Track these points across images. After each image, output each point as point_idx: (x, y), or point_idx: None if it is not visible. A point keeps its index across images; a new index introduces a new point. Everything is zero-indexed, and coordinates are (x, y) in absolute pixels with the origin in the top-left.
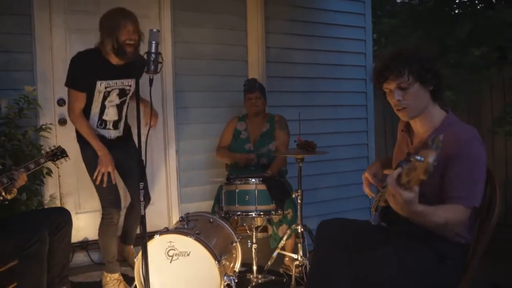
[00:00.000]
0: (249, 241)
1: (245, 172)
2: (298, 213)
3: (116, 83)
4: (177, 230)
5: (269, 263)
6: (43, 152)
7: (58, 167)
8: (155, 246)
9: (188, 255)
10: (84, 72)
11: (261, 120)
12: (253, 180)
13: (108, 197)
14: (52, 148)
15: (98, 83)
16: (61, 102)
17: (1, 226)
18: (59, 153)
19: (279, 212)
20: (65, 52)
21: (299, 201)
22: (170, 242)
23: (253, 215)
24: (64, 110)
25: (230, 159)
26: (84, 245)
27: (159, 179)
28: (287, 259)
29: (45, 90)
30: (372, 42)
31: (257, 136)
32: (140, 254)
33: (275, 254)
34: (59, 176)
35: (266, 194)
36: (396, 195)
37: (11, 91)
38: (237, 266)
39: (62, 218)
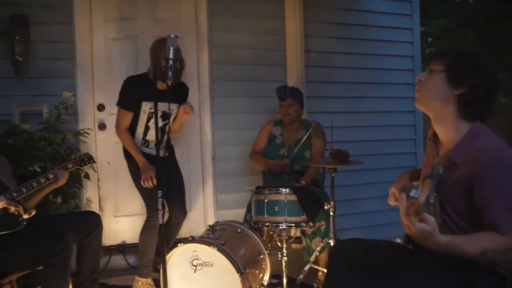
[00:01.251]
0: (279, 253)
1: (279, 180)
2: (331, 225)
3: (160, 106)
4: (201, 240)
5: (300, 276)
6: (73, 157)
7: (95, 171)
8: (179, 255)
9: (211, 265)
10: (132, 93)
11: (297, 126)
12: (284, 190)
13: (151, 202)
14: (81, 154)
15: (144, 103)
16: (100, 108)
17: (32, 227)
18: (86, 159)
19: (310, 224)
20: (104, 59)
21: (331, 213)
22: (194, 251)
23: (283, 227)
24: (103, 115)
25: (263, 165)
26: (121, 248)
27: (196, 186)
28: (320, 273)
29: (85, 96)
30: (420, 44)
31: (292, 142)
32: (165, 263)
33: (307, 267)
34: (98, 179)
35: (297, 205)
36: (410, 226)
37: (52, 97)
38: (266, 279)
39: (92, 221)
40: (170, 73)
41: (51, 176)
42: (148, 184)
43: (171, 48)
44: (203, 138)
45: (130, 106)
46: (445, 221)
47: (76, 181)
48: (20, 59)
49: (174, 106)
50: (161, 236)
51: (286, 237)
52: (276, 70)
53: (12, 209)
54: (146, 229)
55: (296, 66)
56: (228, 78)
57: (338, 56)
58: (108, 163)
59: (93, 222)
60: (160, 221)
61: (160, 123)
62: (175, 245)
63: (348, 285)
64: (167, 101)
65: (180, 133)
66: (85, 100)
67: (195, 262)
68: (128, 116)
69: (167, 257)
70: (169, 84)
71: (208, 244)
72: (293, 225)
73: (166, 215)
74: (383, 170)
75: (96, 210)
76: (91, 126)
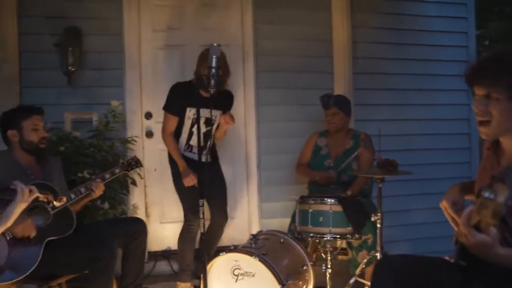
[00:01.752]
0: (323, 264)
1: (325, 190)
2: (378, 238)
3: (204, 112)
4: (243, 249)
5: None
6: (122, 161)
7: (142, 178)
8: (221, 264)
9: (253, 275)
10: (177, 98)
11: (343, 136)
12: (329, 200)
13: (190, 207)
14: (129, 159)
15: (188, 109)
16: (148, 116)
17: (80, 233)
18: (133, 163)
19: (356, 236)
20: (152, 68)
21: (378, 225)
22: (236, 261)
23: (327, 238)
24: (150, 123)
25: (309, 177)
26: (167, 254)
27: (241, 194)
28: (365, 287)
29: (133, 104)
30: (476, 48)
31: (339, 153)
32: (206, 269)
33: (352, 281)
34: (145, 186)
35: (342, 216)
36: (468, 236)
37: (102, 105)
38: None
39: (137, 228)
40: (212, 82)
41: (83, 190)
42: (189, 183)
43: (214, 56)
44: (248, 146)
45: (175, 110)
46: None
47: (124, 187)
48: (73, 69)
49: (217, 113)
50: (202, 244)
51: (331, 249)
52: (323, 78)
53: (41, 197)
54: (183, 234)
55: (344, 73)
56: (273, 86)
57: (387, 62)
58: (155, 170)
59: (138, 228)
60: (202, 230)
61: (204, 129)
62: (217, 254)
63: None
64: (212, 107)
65: (225, 141)
66: (133, 108)
67: (236, 272)
68: (173, 121)
69: (208, 265)
70: (212, 92)
71: (250, 254)
72: (338, 236)
73: (207, 223)
74: (435, 181)
75: (142, 216)
76: (139, 134)
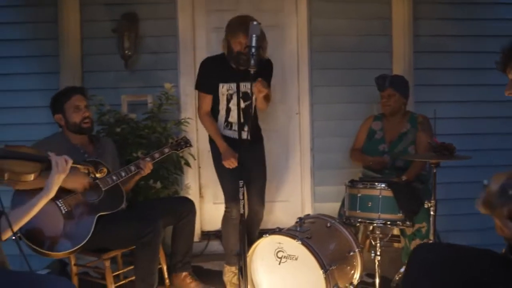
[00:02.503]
0: (372, 251)
1: (379, 175)
2: (431, 226)
3: (235, 86)
4: (287, 232)
5: (396, 277)
6: (171, 140)
7: (195, 159)
8: (265, 246)
9: (296, 259)
10: (207, 75)
11: (400, 119)
12: (379, 185)
13: (228, 192)
14: (177, 138)
15: (220, 85)
16: None
17: (130, 210)
18: (183, 143)
19: (408, 223)
20: (206, 51)
21: (432, 212)
22: (279, 243)
23: (376, 224)
24: None
25: (363, 162)
26: (219, 234)
27: (294, 177)
28: None
29: (187, 86)
30: None
31: (394, 136)
32: (249, 251)
33: (402, 269)
34: (199, 167)
35: (392, 202)
36: (503, 228)
37: (157, 88)
38: (357, 277)
39: (185, 207)
40: (252, 61)
41: (133, 168)
42: (229, 165)
43: (254, 35)
44: (302, 128)
45: (207, 88)
46: None
47: (177, 168)
48: (129, 53)
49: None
50: (243, 226)
51: (380, 235)
52: (380, 57)
53: (82, 168)
54: (224, 219)
55: (403, 52)
56: (328, 66)
57: (452, 39)
58: (209, 151)
59: (187, 207)
60: (241, 211)
61: (242, 104)
62: (261, 235)
63: None
64: (246, 81)
65: (279, 123)
66: (187, 90)
67: (280, 254)
68: (206, 99)
69: (253, 246)
70: (252, 72)
71: (293, 237)
72: (388, 223)
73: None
74: (495, 168)
75: (196, 197)
76: (193, 116)
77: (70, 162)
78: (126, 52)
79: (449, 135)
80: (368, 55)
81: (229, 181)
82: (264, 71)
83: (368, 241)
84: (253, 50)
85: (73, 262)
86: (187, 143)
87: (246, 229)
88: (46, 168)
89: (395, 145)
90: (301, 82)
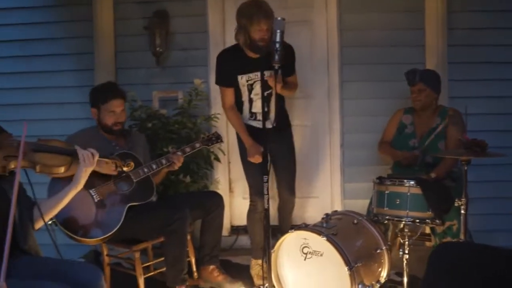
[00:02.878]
0: (400, 249)
1: (408, 172)
2: (462, 225)
3: (257, 76)
4: (312, 228)
5: None
6: (202, 136)
7: (225, 154)
8: (291, 241)
9: (321, 255)
10: (224, 68)
11: (431, 114)
12: (407, 182)
13: (253, 186)
14: (208, 134)
15: (239, 77)
16: None
17: (159, 202)
18: (214, 139)
19: (437, 221)
20: None
21: (462, 211)
22: (305, 239)
23: (404, 222)
24: None
25: (392, 156)
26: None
27: (323, 173)
28: None
29: None
30: None
31: (424, 131)
32: (276, 246)
33: None
34: (229, 162)
35: (421, 199)
36: None
37: (188, 84)
38: (384, 275)
39: (214, 201)
40: (276, 57)
41: (164, 161)
42: (255, 161)
43: (278, 31)
44: (331, 124)
45: (226, 82)
46: None
47: (207, 163)
48: (160, 50)
49: (272, 73)
50: (267, 221)
51: (409, 233)
52: (413, 52)
53: (109, 161)
54: (249, 213)
55: (437, 46)
56: (359, 61)
57: (487, 32)
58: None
59: (215, 201)
60: (265, 206)
61: (264, 93)
62: (287, 230)
63: None
64: (265, 69)
65: (308, 118)
66: (216, 86)
67: (305, 250)
68: (228, 93)
69: (279, 241)
70: (276, 68)
71: (319, 232)
72: (417, 221)
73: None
74: None
75: (226, 192)
76: (222, 111)
77: (97, 156)
78: (158, 49)
79: (483, 131)
80: (399, 49)
81: (254, 175)
82: (287, 58)
83: (398, 239)
84: (278, 45)
85: (105, 253)
86: (218, 138)
87: (280, 222)
88: (75, 161)
89: (425, 141)
90: (331, 78)
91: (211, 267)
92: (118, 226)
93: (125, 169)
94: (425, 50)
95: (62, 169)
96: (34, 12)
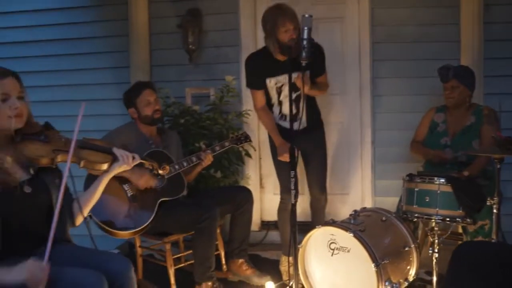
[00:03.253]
0: (430, 248)
1: (440, 170)
2: (494, 225)
3: (285, 78)
4: (340, 224)
5: None
6: (231, 135)
7: (255, 150)
8: (318, 237)
9: (348, 251)
10: (253, 72)
11: (464, 111)
12: (437, 179)
13: (284, 184)
14: (237, 133)
15: (267, 80)
16: None
17: (190, 198)
18: (243, 138)
19: (468, 220)
20: None
21: (495, 210)
22: (332, 235)
23: (434, 220)
24: None
25: (423, 155)
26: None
27: (354, 170)
28: None
29: None
30: None
31: (457, 130)
32: (303, 241)
33: None
34: (260, 158)
35: (452, 198)
36: None
37: (220, 81)
38: (412, 273)
39: (243, 196)
40: (304, 54)
41: (194, 159)
42: (284, 159)
43: (306, 28)
44: (363, 121)
45: (256, 85)
46: None
47: (239, 159)
48: (193, 47)
49: (306, 73)
50: (293, 216)
51: (439, 232)
52: (447, 47)
53: (147, 164)
54: (279, 210)
55: (472, 41)
56: (391, 57)
57: None
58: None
59: (245, 196)
60: (292, 201)
61: (293, 95)
62: (314, 227)
63: None
64: (294, 71)
65: (340, 115)
66: None
67: (332, 246)
68: (258, 95)
69: (306, 237)
70: (304, 65)
71: (346, 229)
72: (447, 219)
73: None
74: None
75: (257, 187)
76: (253, 108)
77: (138, 160)
78: (190, 46)
79: None
80: (433, 44)
81: (284, 173)
82: (316, 58)
83: (428, 238)
84: (305, 42)
85: (138, 244)
86: (247, 138)
87: (312, 219)
88: (117, 161)
89: (458, 139)
90: (362, 74)
91: (240, 260)
92: (149, 221)
93: (160, 172)
94: (461, 45)
95: (104, 166)
96: (73, 13)
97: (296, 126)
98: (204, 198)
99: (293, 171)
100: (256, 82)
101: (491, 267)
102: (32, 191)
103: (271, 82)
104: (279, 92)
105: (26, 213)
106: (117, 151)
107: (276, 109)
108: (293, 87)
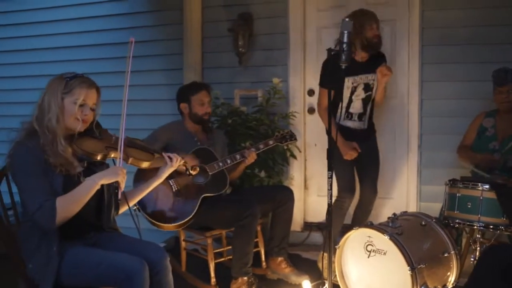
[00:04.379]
0: (472, 256)
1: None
2: None
3: (361, 78)
4: (377, 226)
5: None
6: (276, 133)
7: (300, 151)
8: (355, 238)
9: (384, 253)
10: (333, 71)
11: None
12: (481, 185)
13: (344, 183)
14: (282, 131)
15: (346, 79)
16: (310, 93)
17: (233, 195)
18: (288, 137)
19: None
20: (316, 47)
21: None
22: (369, 237)
23: (475, 226)
24: (312, 100)
25: (471, 160)
26: (321, 226)
27: (400, 174)
28: None
29: (296, 81)
30: None
31: (506, 134)
32: (340, 242)
33: None
34: (305, 160)
35: (496, 204)
36: None
37: (268, 83)
38: (452, 280)
39: (284, 195)
40: (343, 57)
41: (238, 156)
42: (351, 157)
43: (346, 31)
44: (410, 125)
45: (330, 85)
46: None
47: (284, 159)
48: (243, 50)
49: (374, 76)
50: (329, 215)
51: (481, 239)
52: (501, 49)
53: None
54: (334, 208)
55: None
56: (441, 61)
57: None
58: (315, 145)
59: (285, 195)
60: (328, 201)
61: (363, 95)
62: (351, 228)
63: None
64: (368, 72)
65: (388, 118)
66: (296, 85)
67: (369, 248)
68: (328, 94)
69: (343, 238)
70: (343, 67)
71: (383, 231)
72: (491, 226)
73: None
74: None
75: (301, 189)
76: (300, 110)
77: (180, 160)
78: (240, 49)
79: None
80: (486, 47)
81: (346, 173)
82: (381, 62)
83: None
84: (345, 46)
85: (182, 238)
86: (292, 136)
87: (359, 217)
88: (157, 159)
89: (507, 144)
90: (411, 77)
91: (279, 258)
92: (192, 215)
93: (192, 172)
94: None
95: (147, 164)
96: (131, 17)
97: (363, 125)
98: (246, 195)
99: (330, 172)
100: (333, 81)
101: None
102: None
103: (349, 81)
104: (353, 91)
105: None
106: (164, 154)
107: (343, 108)
108: (365, 88)
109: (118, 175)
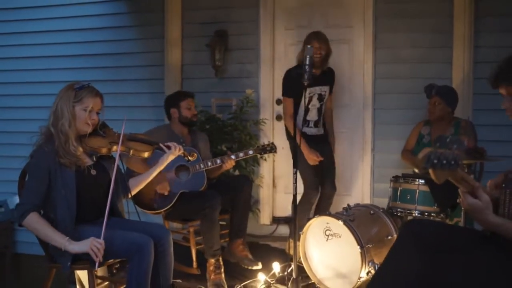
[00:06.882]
0: None
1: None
2: (462, 220)
3: (315, 89)
4: (334, 214)
5: None
6: (258, 144)
7: (269, 156)
8: (316, 225)
9: (340, 236)
10: (295, 83)
11: (446, 125)
12: (418, 180)
13: (309, 182)
14: (265, 144)
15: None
16: (278, 102)
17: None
18: (268, 149)
19: (442, 216)
20: (284, 62)
21: (463, 208)
22: (327, 223)
23: (413, 214)
24: (280, 108)
25: (412, 163)
26: (288, 220)
27: (356, 173)
28: None
29: (266, 92)
30: None
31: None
32: (303, 229)
33: None
34: (274, 161)
35: (429, 196)
36: (462, 199)
37: (241, 93)
38: None
39: (239, 181)
40: (306, 76)
41: (218, 161)
42: (315, 162)
43: (308, 56)
44: (365, 131)
45: (294, 94)
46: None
47: (255, 160)
48: (219, 64)
49: (326, 88)
50: (295, 205)
51: None
52: (441, 68)
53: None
54: (301, 203)
55: (463, 63)
56: (390, 76)
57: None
58: (283, 148)
59: (240, 180)
60: (294, 192)
61: (318, 104)
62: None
63: (411, 261)
64: (322, 84)
65: (344, 126)
66: (266, 95)
67: (327, 232)
68: (292, 103)
69: (307, 225)
70: (306, 84)
71: (338, 218)
72: (425, 213)
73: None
74: None
75: (270, 187)
76: (270, 117)
77: (182, 150)
78: (217, 63)
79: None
80: (429, 65)
81: (311, 172)
82: (331, 77)
83: None
84: (307, 68)
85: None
86: (272, 149)
87: (321, 210)
88: (155, 150)
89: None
90: (365, 90)
91: (238, 241)
92: (169, 206)
93: (190, 158)
94: (452, 66)
95: (147, 154)
96: (118, 31)
97: (319, 131)
98: (211, 189)
99: (295, 168)
100: (295, 91)
101: (432, 238)
102: (96, 173)
103: (306, 92)
104: (309, 101)
105: (93, 190)
106: (163, 144)
107: (300, 116)
108: (320, 98)
109: (89, 248)
